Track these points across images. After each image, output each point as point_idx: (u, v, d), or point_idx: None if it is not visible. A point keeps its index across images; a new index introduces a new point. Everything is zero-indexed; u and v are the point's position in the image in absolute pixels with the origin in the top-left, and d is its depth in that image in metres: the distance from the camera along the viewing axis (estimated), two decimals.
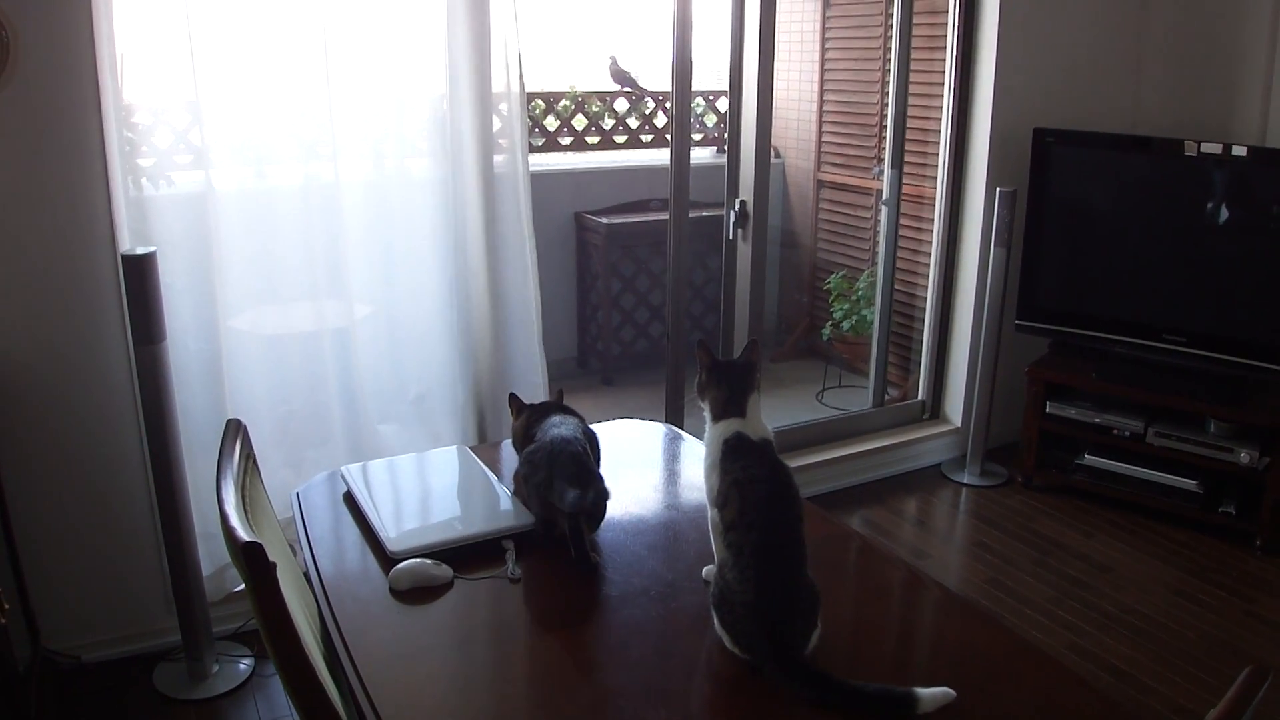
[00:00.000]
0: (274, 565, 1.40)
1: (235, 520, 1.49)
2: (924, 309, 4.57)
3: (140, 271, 2.56)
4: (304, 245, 3.05)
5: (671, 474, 2.42)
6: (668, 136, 3.81)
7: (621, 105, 5.64)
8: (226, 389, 2.96)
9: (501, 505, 2.06)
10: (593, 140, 5.58)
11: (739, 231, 4.12)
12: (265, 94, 2.93)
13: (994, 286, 4.07)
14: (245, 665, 2.95)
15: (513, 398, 2.21)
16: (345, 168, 3.04)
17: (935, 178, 4.40)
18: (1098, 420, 3.98)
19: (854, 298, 5.18)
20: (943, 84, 4.25)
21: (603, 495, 1.89)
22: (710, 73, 5.62)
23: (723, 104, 5.53)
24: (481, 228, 3.22)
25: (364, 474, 2.22)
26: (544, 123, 5.40)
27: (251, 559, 1.39)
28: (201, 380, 2.96)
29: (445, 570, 1.82)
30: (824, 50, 5.40)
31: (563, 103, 5.45)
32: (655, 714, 1.50)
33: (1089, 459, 4.04)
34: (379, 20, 2.98)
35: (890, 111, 4.34)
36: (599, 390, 5.33)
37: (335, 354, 3.16)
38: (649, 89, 5.61)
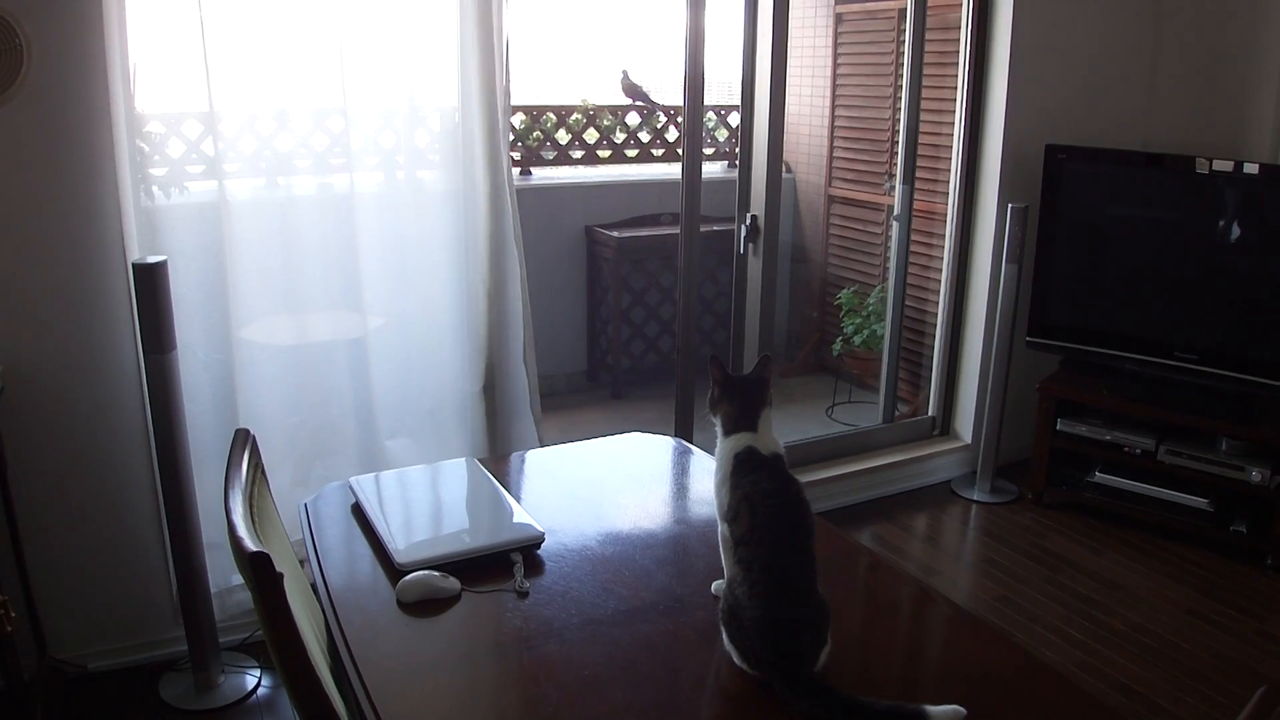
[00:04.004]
0: (281, 576, 1.39)
1: (243, 531, 1.48)
2: (935, 325, 4.56)
3: (151, 280, 2.56)
4: (316, 256, 3.05)
5: (681, 488, 2.41)
6: (679, 151, 3.82)
7: (633, 119, 5.65)
8: (238, 399, 2.97)
9: (510, 518, 2.05)
10: (604, 154, 5.59)
11: (750, 246, 4.12)
12: (279, 104, 2.95)
13: (1005, 302, 4.06)
14: (252, 676, 2.94)
15: None
16: (358, 179, 3.04)
17: (947, 193, 4.39)
18: (1109, 437, 3.96)
19: (865, 313, 5.18)
20: (955, 99, 4.25)
21: None
22: (722, 87, 5.65)
23: (734, 118, 5.55)
24: (486, 239, 3.21)
25: (373, 485, 2.21)
26: (556, 136, 5.41)
27: (258, 569, 1.38)
28: (212, 390, 2.97)
29: (453, 583, 1.81)
30: (836, 65, 5.41)
31: (574, 116, 5.46)
32: None
33: (1100, 476, 4.02)
34: (393, 31, 2.99)
35: (902, 127, 4.34)
36: (609, 404, 5.33)
37: (347, 365, 3.17)
38: (661, 103, 5.62)
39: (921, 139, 4.37)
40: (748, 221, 4.06)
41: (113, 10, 2.57)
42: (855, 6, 5.30)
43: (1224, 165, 3.68)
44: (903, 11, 4.48)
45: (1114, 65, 4.29)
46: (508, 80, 3.10)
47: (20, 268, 2.65)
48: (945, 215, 4.42)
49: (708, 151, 5.63)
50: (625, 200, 5.43)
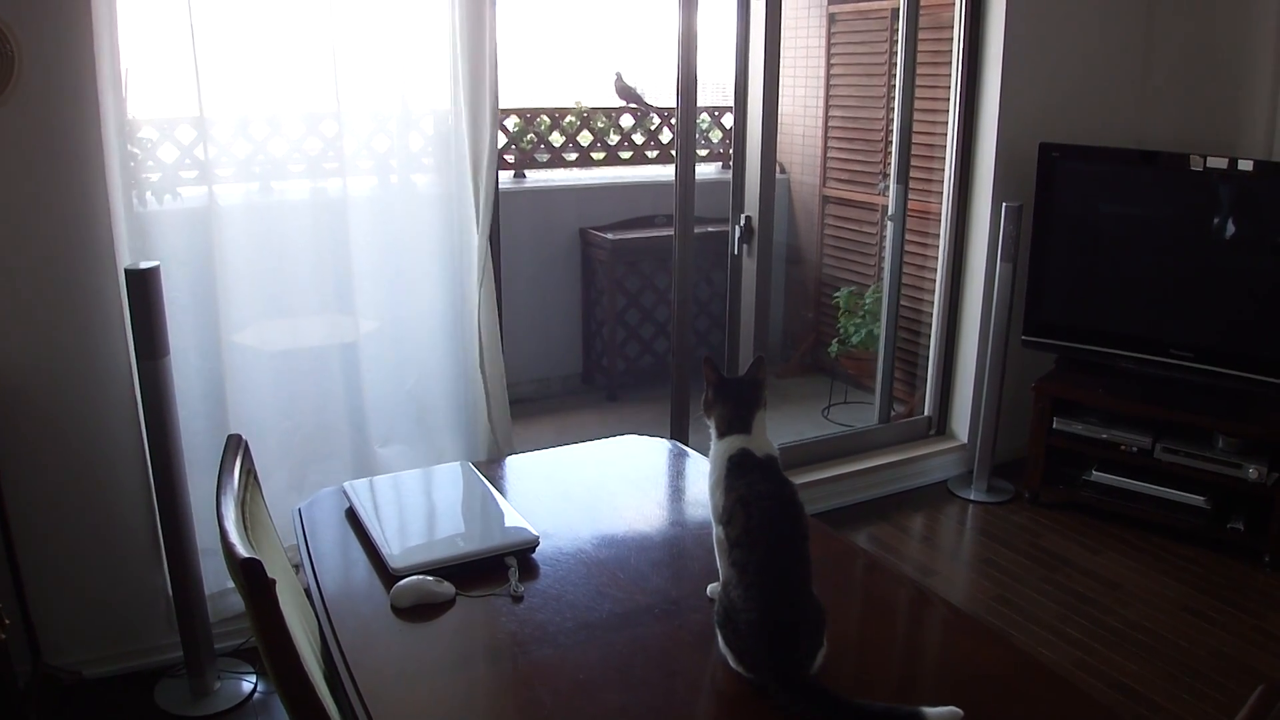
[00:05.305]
0: (273, 582, 1.38)
1: (235, 537, 1.48)
2: (930, 324, 4.56)
3: (143, 286, 2.55)
4: (309, 261, 3.05)
5: (676, 490, 2.41)
6: (673, 152, 3.82)
7: (627, 121, 5.64)
8: (229, 405, 2.96)
9: (504, 522, 2.04)
10: (598, 156, 5.58)
11: (744, 247, 4.11)
12: (271, 109, 2.94)
13: (1000, 301, 4.06)
14: (247, 683, 2.93)
15: None
16: (350, 183, 3.03)
17: (941, 193, 4.39)
18: (1105, 436, 3.96)
19: (862, 313, 5.18)
20: (948, 99, 4.25)
21: None
22: (716, 88, 5.64)
23: (728, 120, 5.54)
24: (476, 242, 3.19)
25: (367, 490, 2.21)
26: (550, 138, 5.41)
27: (250, 575, 1.38)
28: (204, 396, 2.96)
29: (447, 588, 1.80)
30: (829, 65, 5.41)
31: (568, 118, 5.45)
32: None
33: (1096, 475, 4.02)
34: (386, 34, 2.98)
35: (896, 126, 4.34)
36: (604, 406, 5.32)
37: (340, 370, 3.16)
38: (654, 105, 5.62)
39: (915, 138, 4.38)
40: (742, 222, 4.06)
41: (103, 16, 2.57)
42: (848, 6, 5.30)
43: (1218, 162, 3.68)
44: (895, 11, 4.48)
45: (1107, 63, 4.29)
46: (496, 83, 3.09)
47: (12, 273, 2.64)
48: (940, 215, 4.42)
49: (702, 153, 5.63)
50: (619, 202, 5.43)
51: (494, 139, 3.12)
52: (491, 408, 3.29)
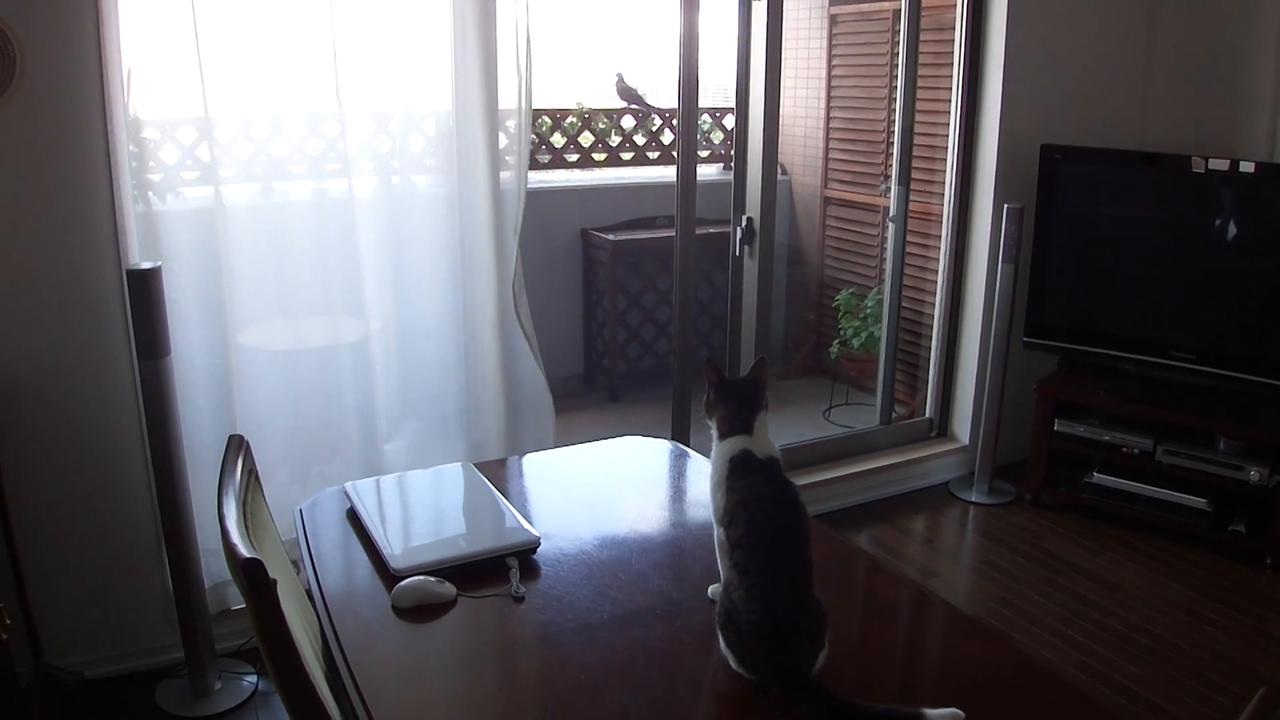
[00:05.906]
0: (274, 582, 1.38)
1: (236, 536, 1.48)
2: (931, 326, 4.56)
3: (145, 286, 2.56)
4: (312, 261, 3.05)
5: (677, 491, 2.41)
6: (674, 153, 3.82)
7: (628, 122, 5.65)
8: (234, 404, 2.96)
9: (506, 523, 2.04)
10: (599, 157, 5.58)
11: (745, 248, 4.11)
12: (274, 110, 2.95)
13: (1002, 303, 4.06)
14: (248, 683, 2.93)
15: None
16: (353, 183, 3.04)
17: (942, 194, 4.39)
18: (1106, 438, 3.96)
19: (862, 315, 5.17)
20: (950, 100, 4.25)
21: None
22: (717, 90, 5.65)
23: (729, 121, 5.54)
24: (491, 243, 3.20)
25: (368, 490, 2.20)
26: (551, 140, 5.41)
27: (251, 575, 1.38)
28: (208, 396, 2.96)
29: (448, 588, 1.80)
30: (830, 67, 5.41)
31: (570, 120, 5.45)
32: None
33: (1098, 477, 4.02)
34: (387, 36, 2.99)
35: (897, 128, 4.34)
36: (605, 407, 5.32)
37: (344, 369, 3.16)
38: (656, 106, 5.62)
39: (917, 140, 4.37)
40: (743, 224, 4.06)
41: (107, 16, 2.57)
42: (849, 8, 5.30)
43: (1220, 164, 3.67)
44: (897, 13, 4.48)
45: (1109, 64, 4.29)
46: (530, 84, 3.17)
47: (15, 273, 2.64)
48: (941, 216, 4.42)
49: (703, 154, 5.63)
50: (621, 203, 5.43)
51: (527, 142, 3.20)
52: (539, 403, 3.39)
